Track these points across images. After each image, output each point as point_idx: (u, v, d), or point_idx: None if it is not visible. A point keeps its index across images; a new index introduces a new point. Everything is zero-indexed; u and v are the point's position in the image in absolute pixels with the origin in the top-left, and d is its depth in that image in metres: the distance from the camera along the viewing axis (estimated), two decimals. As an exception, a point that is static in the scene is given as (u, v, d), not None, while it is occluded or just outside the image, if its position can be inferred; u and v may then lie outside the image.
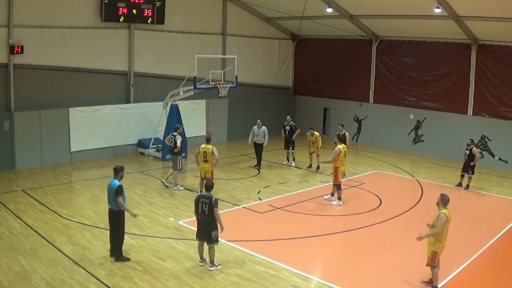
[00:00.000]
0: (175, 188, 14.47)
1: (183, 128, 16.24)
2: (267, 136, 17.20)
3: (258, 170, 17.16)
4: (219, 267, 9.25)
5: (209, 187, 9.26)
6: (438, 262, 8.52)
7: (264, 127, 17.25)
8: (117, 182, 9.32)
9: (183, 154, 16.38)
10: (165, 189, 14.58)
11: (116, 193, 9.18)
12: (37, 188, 14.33)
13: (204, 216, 9.10)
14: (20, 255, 9.56)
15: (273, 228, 11.68)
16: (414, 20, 18.89)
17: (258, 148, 17.43)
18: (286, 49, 25.33)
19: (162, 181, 14.87)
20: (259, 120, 17.48)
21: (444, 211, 8.35)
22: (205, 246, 9.32)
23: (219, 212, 9.15)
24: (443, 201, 8.45)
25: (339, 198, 13.57)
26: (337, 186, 13.56)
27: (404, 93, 21.61)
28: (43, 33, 16.80)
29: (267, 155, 19.71)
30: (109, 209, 9.49)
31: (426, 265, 8.58)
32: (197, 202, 9.23)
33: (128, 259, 9.47)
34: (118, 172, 9.50)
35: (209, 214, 9.03)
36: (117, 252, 9.48)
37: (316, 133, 17.41)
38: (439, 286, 8.68)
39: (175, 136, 14.54)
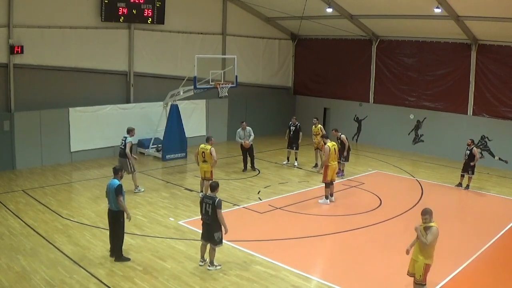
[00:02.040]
0: (136, 191, 13.95)
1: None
2: (252, 136, 16.88)
3: (258, 170, 17.09)
4: (218, 267, 9.24)
5: (213, 187, 9.19)
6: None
7: (248, 127, 16.92)
8: (116, 182, 9.32)
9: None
10: (165, 189, 14.61)
11: (116, 192, 9.18)
12: (37, 188, 14.33)
13: (207, 216, 9.06)
14: (20, 255, 9.56)
15: (273, 228, 11.68)
16: (414, 20, 18.88)
17: (247, 150, 16.98)
18: (286, 49, 25.32)
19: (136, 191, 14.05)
20: (244, 123, 17.06)
21: (435, 224, 7.68)
22: (208, 247, 9.32)
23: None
24: (430, 213, 7.72)
25: (326, 197, 13.63)
26: (325, 184, 13.64)
27: (404, 93, 21.61)
28: (43, 33, 16.80)
29: (267, 155, 19.73)
30: (109, 209, 9.49)
31: (417, 283, 7.81)
32: (201, 202, 9.22)
33: (128, 259, 9.47)
34: (117, 172, 9.51)
35: (212, 215, 8.96)
36: (117, 252, 9.48)
37: (319, 125, 17.54)
38: (438, 286, 8.67)
39: (125, 138, 13.90)
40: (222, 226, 9.04)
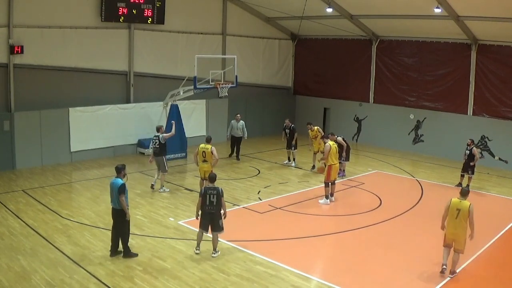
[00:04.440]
0: (161, 190, 14.15)
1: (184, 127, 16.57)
2: (245, 130, 18.67)
3: (235, 158, 18.64)
4: (218, 252, 9.80)
5: (212, 178, 9.89)
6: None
7: (242, 121, 18.69)
8: (120, 181, 9.37)
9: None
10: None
11: (119, 191, 9.22)
12: (37, 188, 14.33)
13: (212, 206, 9.60)
14: (20, 255, 9.56)
15: (273, 228, 11.68)
16: (414, 20, 18.89)
17: (236, 141, 18.77)
18: (286, 49, 25.32)
19: (154, 186, 14.35)
20: (238, 115, 18.85)
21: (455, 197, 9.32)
22: (205, 236, 9.81)
23: None
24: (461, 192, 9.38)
25: (326, 197, 13.64)
26: (325, 184, 13.65)
27: (404, 93, 21.61)
28: (43, 33, 16.80)
29: (267, 155, 19.74)
30: (113, 208, 9.53)
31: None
32: (204, 194, 9.64)
33: (136, 255, 9.60)
34: (120, 171, 9.53)
35: (217, 204, 9.60)
36: (124, 248, 9.56)
37: (315, 127, 17.51)
38: (439, 285, 8.68)
39: (158, 136, 14.24)
40: (223, 211, 9.75)
